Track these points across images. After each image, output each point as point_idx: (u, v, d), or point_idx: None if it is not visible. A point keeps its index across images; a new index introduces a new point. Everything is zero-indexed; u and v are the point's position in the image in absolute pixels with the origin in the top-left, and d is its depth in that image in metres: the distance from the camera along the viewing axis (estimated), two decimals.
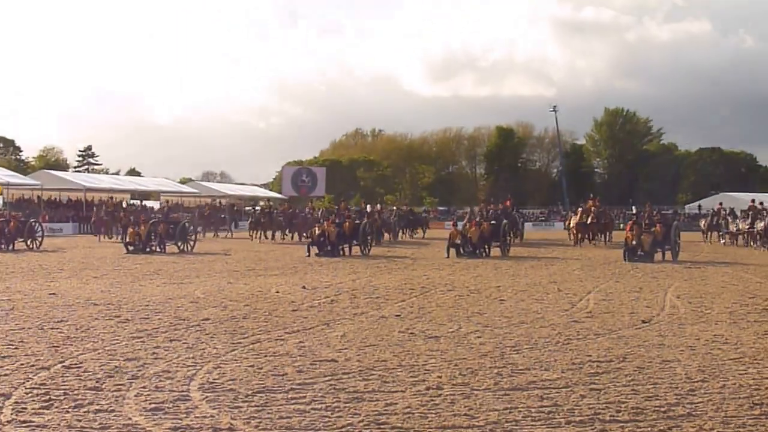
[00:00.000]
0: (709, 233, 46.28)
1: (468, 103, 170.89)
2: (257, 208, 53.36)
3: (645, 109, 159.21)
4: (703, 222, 48.65)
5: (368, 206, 47.93)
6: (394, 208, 56.80)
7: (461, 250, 31.26)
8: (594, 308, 15.40)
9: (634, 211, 38.09)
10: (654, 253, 29.11)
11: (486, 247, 31.88)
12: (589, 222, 40.16)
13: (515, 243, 38.47)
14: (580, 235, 40.75)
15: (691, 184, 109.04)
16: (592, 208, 40.69)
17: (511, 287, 19.46)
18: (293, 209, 50.79)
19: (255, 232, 45.73)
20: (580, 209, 41.58)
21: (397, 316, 14.16)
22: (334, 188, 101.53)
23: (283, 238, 46.12)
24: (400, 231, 50.50)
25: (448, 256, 30.68)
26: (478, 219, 33.95)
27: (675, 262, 28.99)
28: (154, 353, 10.41)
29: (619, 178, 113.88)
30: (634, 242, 29.12)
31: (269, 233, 46.49)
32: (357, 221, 34.31)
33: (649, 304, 16.14)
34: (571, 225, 42.83)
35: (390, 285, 19.81)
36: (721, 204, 48.11)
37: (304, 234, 47.14)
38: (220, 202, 76.75)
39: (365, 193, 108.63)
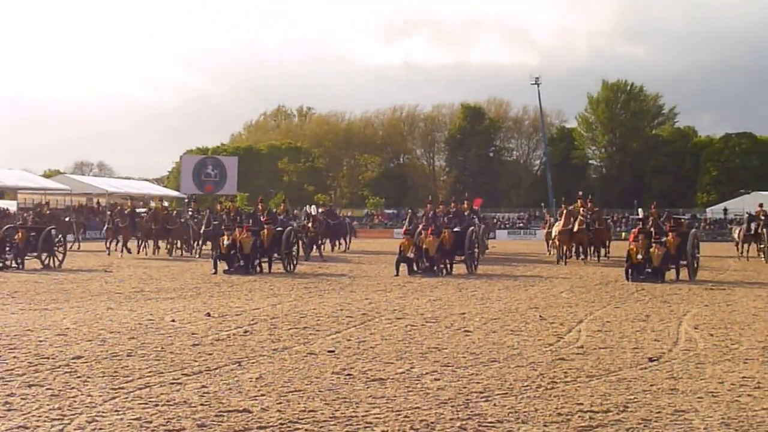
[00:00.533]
0: (746, 245, 45.43)
1: (425, 74, 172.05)
2: (142, 210, 51.08)
3: (655, 82, 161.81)
4: (737, 231, 47.79)
5: (313, 207, 47.24)
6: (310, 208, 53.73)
7: (415, 267, 31.34)
8: (587, 342, 15.53)
9: (640, 216, 38.21)
10: (665, 270, 29.41)
11: (447, 262, 32.01)
12: (576, 229, 38.49)
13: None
14: (564, 248, 39.46)
15: (715, 180, 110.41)
16: (581, 209, 39.26)
17: (480, 315, 19.55)
18: (167, 211, 48.29)
19: (113, 242, 43.60)
20: (564, 210, 39.80)
21: (330, 352, 14.15)
22: (249, 184, 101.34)
23: (165, 250, 45.16)
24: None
25: (397, 274, 30.72)
26: (434, 225, 34.01)
27: (693, 282, 29.35)
28: (6, 403, 10.27)
29: (621, 173, 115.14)
30: (639, 256, 29.36)
31: (139, 243, 44.66)
32: (279, 228, 34.24)
33: (659, 336, 16.32)
34: (553, 234, 41.83)
35: (321, 312, 19.80)
36: (761, 206, 47.28)
37: (182, 245, 45.79)
38: (98, 202, 76.20)
39: (290, 190, 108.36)
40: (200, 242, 44.17)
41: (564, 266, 37.56)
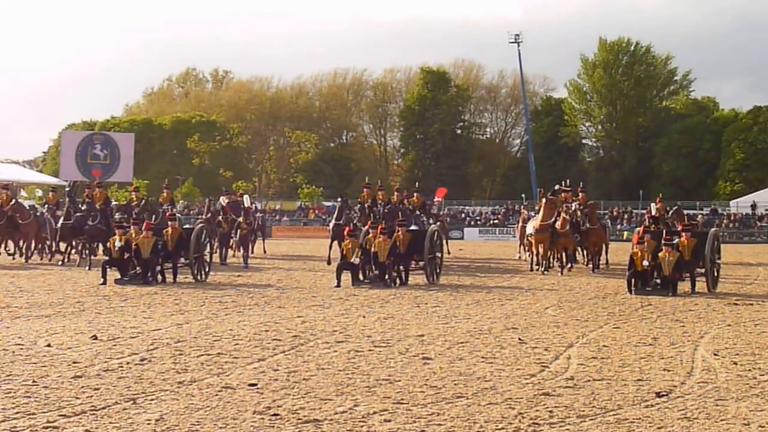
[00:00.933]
0: None
1: (375, 30, 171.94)
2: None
3: (666, 41, 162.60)
4: None
5: (246, 197, 46.63)
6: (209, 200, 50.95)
7: (361, 275, 31.35)
8: (578, 372, 15.61)
9: (653, 212, 38.15)
10: (678, 280, 29.59)
11: (402, 269, 32.03)
12: (559, 226, 37.07)
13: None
14: (542, 251, 38.33)
15: (741, 165, 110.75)
16: (564, 205, 37.76)
17: (443, 337, 19.61)
18: (16, 201, 45.24)
19: None
20: (542, 202, 38.83)
21: (251, 385, 14.14)
22: (149, 168, 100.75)
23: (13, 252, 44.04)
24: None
25: (338, 285, 30.76)
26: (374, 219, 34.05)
27: (712, 295, 29.55)
28: None
29: (623, 155, 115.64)
30: (645, 263, 29.45)
31: None
32: (188, 226, 34.18)
33: (669, 365, 16.42)
34: (528, 232, 40.20)
35: (241, 333, 19.79)
36: None
37: (37, 247, 44.68)
38: None
39: (202, 176, 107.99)
40: (55, 242, 43.16)
41: (547, 274, 37.28)
